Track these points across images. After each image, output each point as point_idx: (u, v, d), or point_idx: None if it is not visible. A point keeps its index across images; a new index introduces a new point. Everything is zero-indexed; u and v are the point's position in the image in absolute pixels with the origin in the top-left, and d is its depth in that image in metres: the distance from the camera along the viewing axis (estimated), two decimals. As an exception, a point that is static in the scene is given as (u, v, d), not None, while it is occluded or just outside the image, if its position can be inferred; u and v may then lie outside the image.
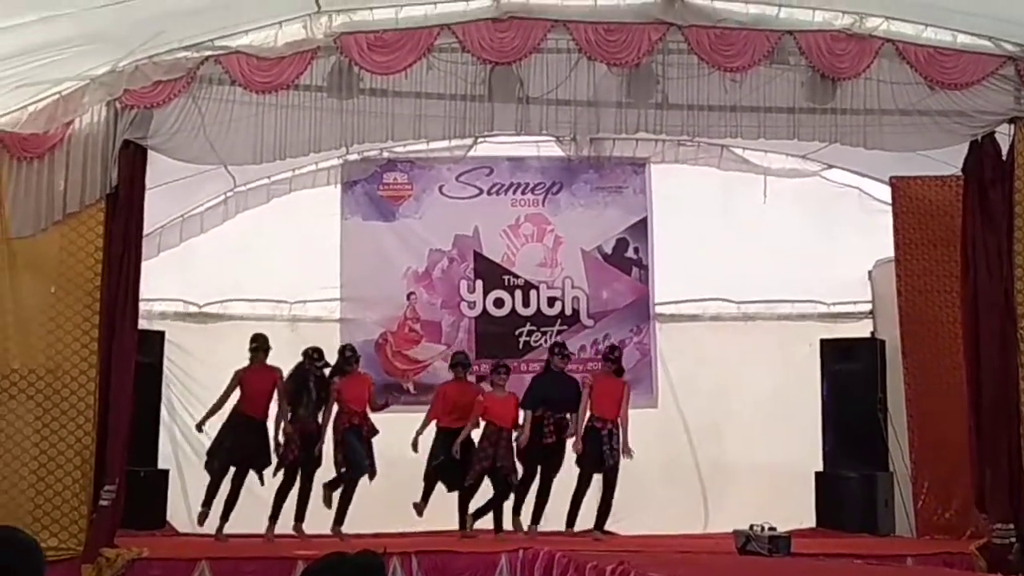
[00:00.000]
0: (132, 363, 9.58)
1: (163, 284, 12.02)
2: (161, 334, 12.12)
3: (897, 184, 11.96)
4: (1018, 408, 9.72)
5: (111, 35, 8.63)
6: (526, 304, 13.09)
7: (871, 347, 12.52)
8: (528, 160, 13.22)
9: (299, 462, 10.65)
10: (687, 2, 9.58)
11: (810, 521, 11.96)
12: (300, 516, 10.72)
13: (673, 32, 9.60)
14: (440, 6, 9.53)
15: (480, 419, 11.03)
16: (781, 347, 12.78)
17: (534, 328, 13.04)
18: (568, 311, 13.05)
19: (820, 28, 9.70)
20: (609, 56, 9.61)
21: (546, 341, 12.89)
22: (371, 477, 10.79)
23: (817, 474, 12.17)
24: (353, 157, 12.51)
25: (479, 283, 13.08)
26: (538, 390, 11.23)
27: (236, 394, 10.77)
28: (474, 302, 13.07)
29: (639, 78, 9.75)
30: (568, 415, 11.07)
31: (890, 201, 12.04)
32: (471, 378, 11.62)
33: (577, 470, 11.00)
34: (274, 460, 10.65)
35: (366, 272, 12.95)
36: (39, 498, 9.07)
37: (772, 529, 9.63)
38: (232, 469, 10.69)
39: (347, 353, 11.24)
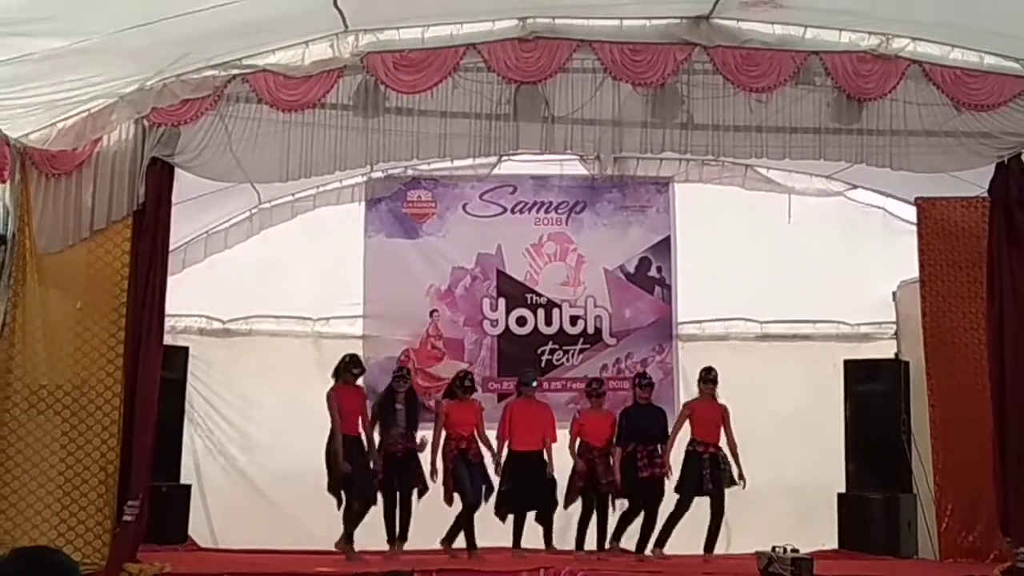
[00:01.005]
0: (157, 379, 9.63)
1: (187, 300, 12.06)
2: (185, 349, 12.17)
3: (922, 205, 11.92)
4: (1043, 431, 9.66)
5: (140, 54, 8.68)
6: (548, 323, 13.10)
7: (895, 368, 12.46)
8: (552, 179, 13.25)
9: (385, 484, 10.66)
10: (713, 23, 9.57)
11: (832, 543, 11.90)
12: (391, 538, 10.76)
13: (699, 52, 9.60)
14: (466, 26, 9.56)
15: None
16: (804, 367, 12.73)
17: (556, 347, 13.05)
18: (591, 330, 13.06)
19: (846, 49, 9.69)
20: (634, 76, 9.63)
21: (568, 360, 12.91)
22: (485, 499, 10.85)
23: (840, 495, 12.11)
24: (377, 175, 12.57)
25: (502, 301, 13.10)
26: (628, 423, 11.17)
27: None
28: (496, 320, 13.08)
29: (664, 98, 9.75)
30: (659, 447, 11.07)
31: (915, 221, 12.00)
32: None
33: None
34: None
35: (389, 289, 12.99)
36: (64, 512, 9.10)
37: (795, 551, 9.58)
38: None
39: (463, 376, 11.38)
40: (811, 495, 12.01)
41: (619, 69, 9.59)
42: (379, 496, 10.71)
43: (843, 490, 12.14)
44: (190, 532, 11.74)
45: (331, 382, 10.92)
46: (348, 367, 10.96)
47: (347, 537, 10.54)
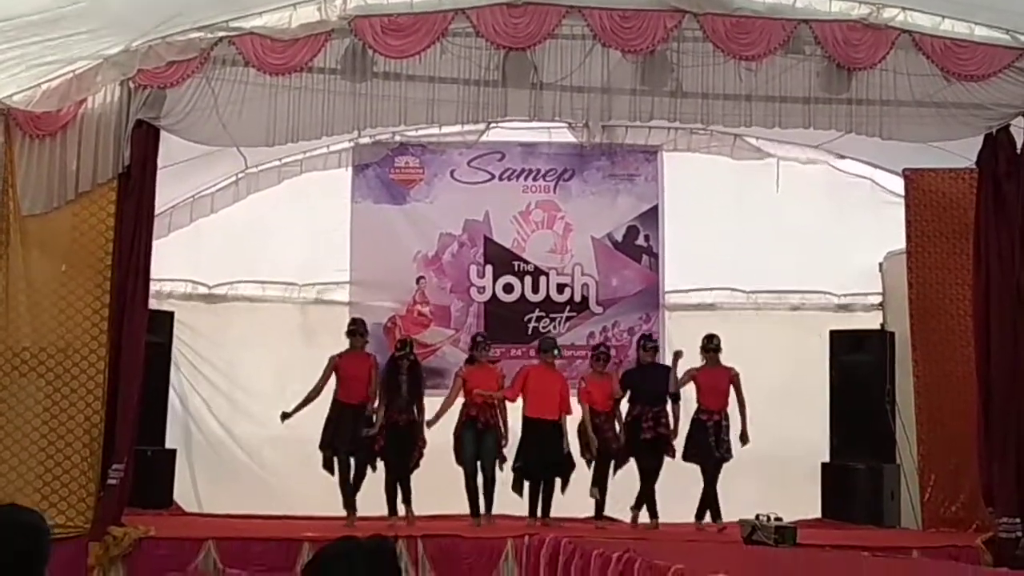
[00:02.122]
0: (142, 343, 9.62)
1: (173, 264, 12.02)
2: (170, 314, 12.12)
3: (910, 176, 11.92)
4: (1027, 403, 9.71)
5: (126, 16, 8.61)
6: (535, 290, 13.09)
7: (881, 339, 12.49)
8: (540, 146, 13.20)
9: (383, 453, 10.55)
10: (703, -11, 9.54)
11: (816, 512, 11.94)
12: (391, 507, 10.60)
13: (688, 20, 9.55)
14: (455, -10, 9.51)
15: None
16: (790, 337, 12.76)
17: (543, 314, 13.04)
18: (577, 298, 13.05)
19: (836, 18, 9.65)
20: (624, 43, 9.57)
21: (554, 328, 12.90)
22: (500, 467, 10.77)
23: (824, 465, 12.16)
24: (365, 140, 12.52)
25: (489, 268, 13.08)
26: (633, 385, 11.12)
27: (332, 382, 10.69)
28: (483, 287, 13.06)
29: (653, 65, 9.71)
30: (665, 408, 10.96)
31: (903, 193, 12.01)
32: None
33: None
34: None
35: (376, 255, 12.95)
36: (47, 475, 9.11)
37: (778, 519, 9.61)
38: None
39: (474, 338, 11.32)
40: (795, 464, 12.04)
41: (608, 36, 9.53)
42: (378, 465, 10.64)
43: (827, 459, 12.18)
44: (175, 496, 11.73)
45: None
46: (348, 331, 10.91)
47: (347, 503, 10.48)
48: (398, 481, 10.59)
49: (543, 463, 10.84)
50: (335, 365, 10.67)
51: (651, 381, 11.09)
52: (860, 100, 9.80)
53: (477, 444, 10.71)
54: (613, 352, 12.24)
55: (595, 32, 9.53)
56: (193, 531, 9.87)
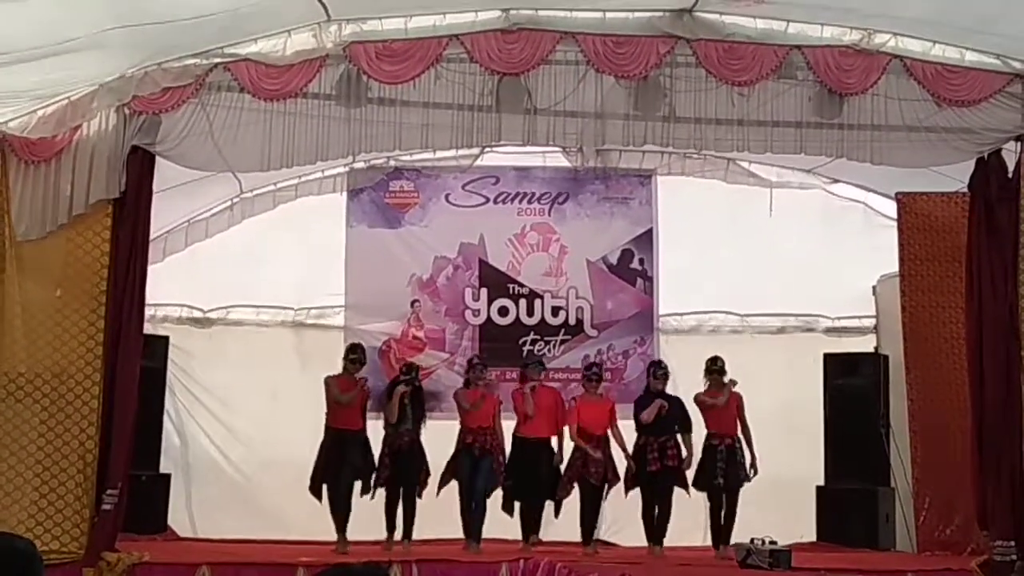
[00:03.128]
0: (137, 368, 9.61)
1: (168, 289, 12.03)
2: (165, 339, 12.14)
3: (903, 200, 11.97)
4: (1021, 426, 9.69)
5: (121, 43, 8.65)
6: (530, 313, 13.09)
7: (874, 362, 12.52)
8: (534, 170, 13.22)
9: (389, 479, 10.57)
10: (696, 16, 9.57)
11: (811, 535, 11.95)
12: (390, 532, 10.65)
13: (681, 45, 9.60)
14: (449, 16, 9.53)
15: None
16: (784, 360, 12.78)
17: (538, 337, 13.03)
18: (572, 321, 13.05)
19: (828, 43, 9.69)
20: (617, 68, 9.62)
21: (549, 351, 12.90)
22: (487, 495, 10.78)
23: (818, 488, 12.16)
24: (360, 165, 12.52)
25: (484, 291, 13.08)
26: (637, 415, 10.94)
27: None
28: (478, 310, 13.07)
29: (647, 91, 9.75)
30: (674, 438, 10.84)
31: (895, 216, 12.06)
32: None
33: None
34: None
35: (371, 279, 12.94)
36: (42, 501, 9.07)
37: (773, 543, 9.64)
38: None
39: (469, 361, 11.31)
40: (790, 487, 12.04)
41: (602, 61, 9.58)
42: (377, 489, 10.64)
43: (822, 483, 12.19)
44: (169, 522, 11.72)
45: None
46: (346, 355, 10.94)
47: (339, 529, 10.46)
48: (404, 504, 10.57)
49: (534, 483, 10.79)
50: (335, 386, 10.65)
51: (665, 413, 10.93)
52: (852, 125, 9.83)
53: (473, 470, 10.69)
54: (607, 375, 12.26)
55: (588, 58, 9.58)
56: (187, 556, 9.85)
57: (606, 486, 10.88)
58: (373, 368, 12.05)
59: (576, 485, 10.80)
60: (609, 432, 10.94)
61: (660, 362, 11.60)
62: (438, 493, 10.76)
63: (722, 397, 10.81)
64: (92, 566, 8.98)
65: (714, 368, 11.05)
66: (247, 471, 12.54)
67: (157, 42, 8.91)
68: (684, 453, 10.85)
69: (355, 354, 11.03)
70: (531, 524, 10.85)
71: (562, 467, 10.84)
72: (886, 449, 12.04)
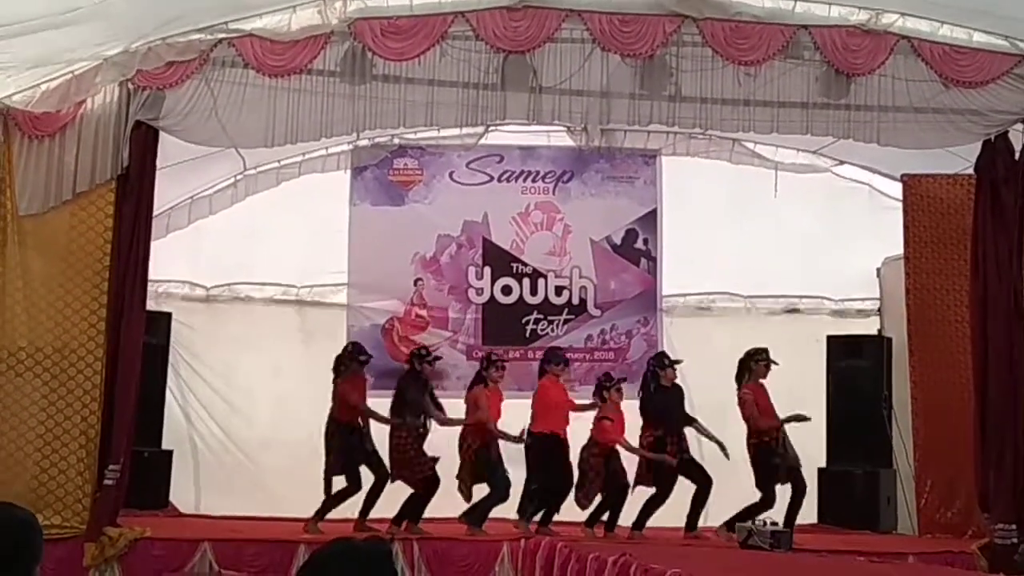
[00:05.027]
0: (139, 343, 9.64)
1: (171, 265, 12.03)
2: (168, 315, 12.12)
3: (908, 181, 11.91)
4: (1023, 410, 9.71)
5: (126, 17, 8.62)
6: (534, 292, 13.06)
7: (878, 344, 12.50)
8: (539, 149, 13.17)
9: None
10: (703, -6, 9.56)
11: (812, 517, 11.93)
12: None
13: (688, 24, 9.58)
14: (455, -7, 9.53)
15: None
16: (788, 342, 12.66)
17: (541, 317, 13.00)
18: (575, 300, 13.01)
19: (835, 23, 9.68)
20: (623, 47, 9.59)
21: (552, 330, 12.88)
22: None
23: (820, 470, 12.14)
24: (364, 142, 12.47)
25: (487, 270, 13.04)
26: (653, 408, 10.78)
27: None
28: (482, 289, 13.04)
29: (653, 70, 9.73)
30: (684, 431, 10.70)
31: (901, 198, 12.01)
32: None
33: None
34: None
35: (374, 257, 12.92)
36: (43, 476, 9.12)
37: (774, 524, 9.64)
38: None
39: (488, 358, 10.94)
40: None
41: (608, 40, 9.55)
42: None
43: (824, 465, 12.18)
44: (171, 497, 11.73)
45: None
46: (355, 356, 10.71)
47: (320, 516, 10.27)
48: (419, 501, 10.33)
49: (556, 484, 10.61)
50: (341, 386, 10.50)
51: (676, 403, 10.87)
52: (858, 106, 9.82)
53: (500, 469, 10.50)
54: (611, 355, 12.24)
55: (594, 36, 9.56)
56: (189, 532, 9.88)
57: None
58: (376, 346, 12.04)
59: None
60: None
61: (664, 353, 11.50)
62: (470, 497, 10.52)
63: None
64: (94, 541, 9.03)
65: (760, 358, 10.87)
66: (248, 448, 12.54)
67: (161, 15, 8.87)
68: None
69: (365, 356, 10.83)
70: (542, 517, 10.66)
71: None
72: (888, 431, 12.02)
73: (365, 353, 10.85)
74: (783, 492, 10.62)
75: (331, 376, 10.55)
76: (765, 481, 10.50)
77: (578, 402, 11.09)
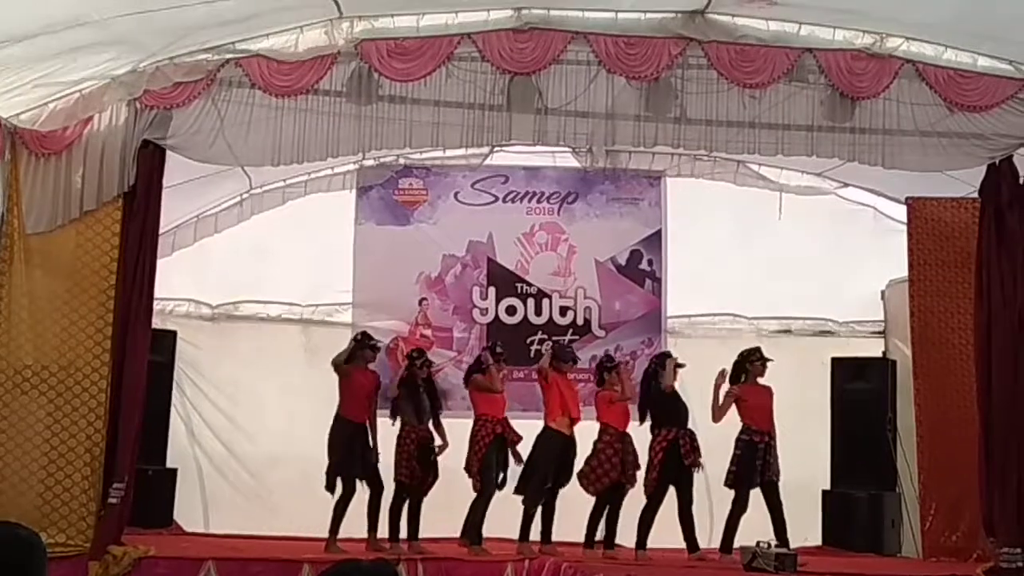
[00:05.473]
0: (145, 361, 9.63)
1: (176, 283, 12.07)
2: (173, 333, 12.14)
3: (913, 204, 11.92)
4: (1029, 432, 9.70)
5: (133, 36, 8.67)
6: (538, 313, 13.08)
7: (882, 367, 12.51)
8: (544, 170, 13.20)
9: (417, 477, 10.35)
10: (708, 17, 9.58)
11: (816, 539, 11.93)
12: (394, 533, 10.39)
13: (693, 47, 9.61)
14: (461, 15, 9.54)
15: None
16: (792, 364, 12.69)
17: (545, 337, 12.99)
18: (580, 321, 13.03)
19: (840, 47, 9.70)
20: (628, 69, 9.62)
21: (557, 351, 12.87)
22: (500, 487, 10.49)
23: (824, 492, 12.14)
24: (369, 162, 12.52)
25: (492, 290, 13.06)
26: (662, 408, 10.74)
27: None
28: (486, 309, 13.05)
29: (658, 92, 9.75)
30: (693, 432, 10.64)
31: (905, 221, 12.01)
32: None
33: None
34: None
35: (379, 277, 12.94)
36: (48, 494, 9.10)
37: (779, 546, 9.62)
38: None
39: (498, 350, 10.95)
40: (796, 491, 11.95)
41: (613, 62, 9.58)
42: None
43: (828, 487, 12.17)
44: (175, 516, 11.73)
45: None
46: (365, 344, 10.71)
47: (334, 532, 10.23)
48: (410, 507, 10.40)
49: (560, 478, 10.61)
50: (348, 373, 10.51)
51: (681, 403, 10.82)
52: (863, 129, 9.83)
53: (501, 465, 10.54)
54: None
55: (600, 58, 9.58)
56: (193, 551, 9.88)
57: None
58: (381, 366, 11.97)
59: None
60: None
61: (668, 353, 11.42)
62: (482, 489, 10.45)
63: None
64: (98, 559, 9.01)
65: (753, 358, 10.86)
66: (253, 466, 12.55)
67: (169, 35, 8.91)
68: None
69: (372, 341, 10.85)
70: (543, 526, 10.61)
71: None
72: (893, 454, 12.01)
73: (374, 340, 10.88)
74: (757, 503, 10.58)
75: (336, 393, 10.55)
76: (740, 480, 10.47)
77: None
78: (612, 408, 10.76)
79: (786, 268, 12.72)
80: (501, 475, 10.54)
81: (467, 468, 10.48)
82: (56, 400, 9.23)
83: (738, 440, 10.60)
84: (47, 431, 9.18)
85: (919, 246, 11.79)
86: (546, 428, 10.66)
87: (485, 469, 10.41)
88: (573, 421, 10.75)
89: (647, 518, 10.56)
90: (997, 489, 9.78)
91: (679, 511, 10.58)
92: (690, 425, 10.92)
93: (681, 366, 10.97)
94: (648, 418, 10.79)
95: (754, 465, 10.46)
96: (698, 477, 10.77)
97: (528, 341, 12.95)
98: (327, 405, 10.65)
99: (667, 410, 10.73)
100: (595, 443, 10.64)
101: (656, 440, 10.62)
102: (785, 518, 10.50)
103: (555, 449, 10.58)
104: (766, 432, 10.60)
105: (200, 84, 9.47)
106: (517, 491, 10.57)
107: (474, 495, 10.48)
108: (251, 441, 12.60)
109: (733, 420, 10.77)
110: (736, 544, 10.31)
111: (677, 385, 10.94)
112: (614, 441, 10.59)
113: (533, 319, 13.04)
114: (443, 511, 10.67)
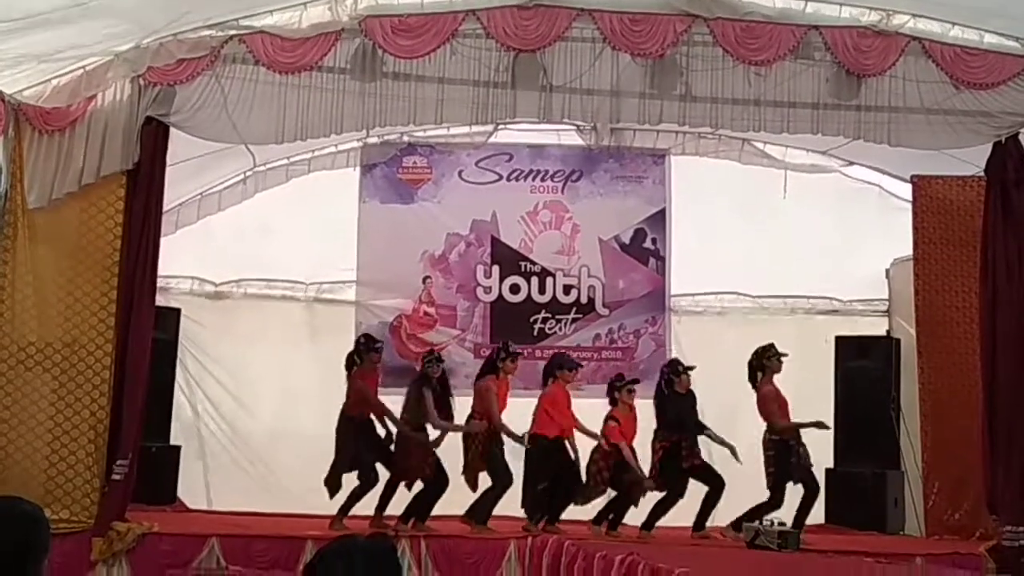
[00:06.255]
0: (149, 339, 9.65)
1: (180, 261, 12.04)
2: (177, 311, 12.14)
3: (918, 183, 11.90)
4: (1032, 411, 9.71)
5: (137, 13, 8.64)
6: (542, 291, 13.07)
7: (886, 345, 12.50)
8: (548, 148, 13.17)
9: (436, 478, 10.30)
10: (714, -6, 9.55)
11: (819, 517, 11.91)
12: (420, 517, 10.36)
13: (698, 24, 9.57)
14: (466, -9, 9.52)
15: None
16: (796, 342, 12.64)
17: (549, 315, 13.01)
18: (584, 299, 13.03)
19: (846, 24, 9.67)
20: (633, 46, 9.58)
21: (561, 329, 12.89)
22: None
23: (828, 470, 12.11)
24: (373, 140, 12.50)
25: (495, 268, 13.06)
26: (668, 413, 10.72)
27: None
28: (490, 287, 13.05)
29: (663, 69, 9.72)
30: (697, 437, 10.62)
31: (910, 199, 11.99)
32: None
33: None
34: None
35: (383, 255, 12.94)
36: (52, 470, 9.13)
37: (781, 524, 9.63)
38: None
39: (511, 349, 10.88)
40: (799, 469, 12.03)
41: (618, 39, 9.54)
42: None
43: (831, 465, 12.17)
44: (179, 493, 11.75)
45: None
46: (369, 347, 10.64)
47: (343, 514, 10.23)
48: (425, 496, 10.33)
49: (561, 486, 10.55)
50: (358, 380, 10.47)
51: (690, 409, 10.80)
52: (869, 106, 9.81)
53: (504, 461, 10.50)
54: (618, 354, 12.22)
55: (605, 35, 9.55)
56: (196, 528, 9.91)
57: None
58: (384, 343, 12.01)
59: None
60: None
61: (679, 361, 11.35)
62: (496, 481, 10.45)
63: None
64: (101, 536, 9.06)
65: (769, 354, 10.79)
66: (256, 443, 12.56)
67: (172, 11, 8.88)
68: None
69: (379, 343, 10.84)
70: (550, 514, 10.61)
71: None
72: (896, 432, 12.02)
73: (378, 341, 10.86)
74: (791, 492, 10.59)
75: (340, 372, 10.52)
76: (778, 481, 10.45)
77: (582, 422, 10.89)
78: (609, 428, 10.71)
79: (790, 247, 12.70)
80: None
81: (467, 474, 10.45)
82: (60, 377, 9.24)
83: (769, 441, 10.51)
84: (51, 408, 9.20)
85: (924, 225, 11.77)
86: (532, 437, 10.58)
87: (493, 461, 10.41)
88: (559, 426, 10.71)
89: (661, 509, 10.59)
90: (1000, 468, 9.80)
91: (660, 502, 10.57)
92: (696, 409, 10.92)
93: (691, 368, 10.94)
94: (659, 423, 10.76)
95: (788, 463, 10.42)
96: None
97: (531, 319, 12.96)
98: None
99: (674, 418, 10.68)
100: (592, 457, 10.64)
101: (655, 442, 10.66)
102: (812, 505, 10.49)
103: (541, 457, 10.51)
104: (795, 428, 10.56)
105: (204, 61, 9.44)
106: (523, 505, 10.58)
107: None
108: (254, 418, 12.62)
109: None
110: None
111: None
112: (607, 456, 10.57)
113: (537, 297, 13.03)
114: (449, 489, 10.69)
